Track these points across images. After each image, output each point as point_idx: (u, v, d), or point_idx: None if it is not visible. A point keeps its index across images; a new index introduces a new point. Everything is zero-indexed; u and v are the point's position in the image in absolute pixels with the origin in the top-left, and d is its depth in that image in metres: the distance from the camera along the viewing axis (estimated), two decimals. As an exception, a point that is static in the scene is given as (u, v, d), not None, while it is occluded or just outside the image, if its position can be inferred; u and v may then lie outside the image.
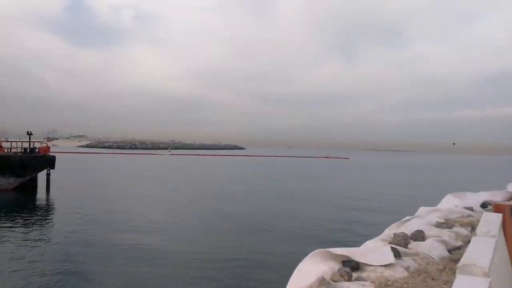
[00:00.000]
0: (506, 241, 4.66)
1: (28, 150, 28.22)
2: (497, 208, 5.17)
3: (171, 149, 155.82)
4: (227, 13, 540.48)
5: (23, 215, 18.77)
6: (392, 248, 4.34)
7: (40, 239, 14.01)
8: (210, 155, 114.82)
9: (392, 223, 6.14)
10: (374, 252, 3.74)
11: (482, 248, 2.81)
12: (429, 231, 5.49)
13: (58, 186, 28.02)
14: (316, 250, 3.05)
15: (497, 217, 4.38)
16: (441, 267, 3.90)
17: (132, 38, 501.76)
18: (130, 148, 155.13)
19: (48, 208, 21.54)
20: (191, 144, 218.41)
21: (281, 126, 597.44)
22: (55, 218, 18.50)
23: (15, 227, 15.98)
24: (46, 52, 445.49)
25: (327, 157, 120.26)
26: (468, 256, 2.75)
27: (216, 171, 53.91)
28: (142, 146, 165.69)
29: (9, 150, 28.37)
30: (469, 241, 4.39)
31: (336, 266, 3.16)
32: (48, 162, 28.04)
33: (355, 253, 3.40)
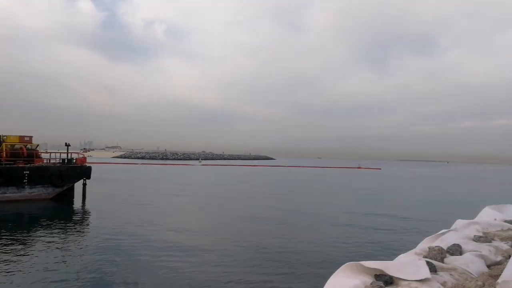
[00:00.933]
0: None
1: (66, 161, 29.33)
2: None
3: (201, 159, 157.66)
4: (257, 26, 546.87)
5: (60, 223, 19.47)
6: (428, 263, 4.20)
7: (75, 247, 14.44)
8: (241, 165, 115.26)
9: (427, 236, 5.95)
10: (409, 266, 3.64)
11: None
12: (467, 245, 5.28)
13: (93, 195, 28.92)
14: (348, 263, 2.99)
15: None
16: (480, 283, 3.73)
17: (164, 51, 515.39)
18: (162, 158, 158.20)
19: (83, 217, 22.21)
20: (221, 154, 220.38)
21: (311, 136, 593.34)
22: (90, 226, 19.04)
23: (53, 234, 16.56)
24: (83, 67, 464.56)
25: (359, 168, 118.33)
26: (509, 272, 2.62)
27: (251, 181, 54.04)
28: (173, 156, 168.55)
29: (48, 161, 29.56)
30: (510, 256, 4.19)
31: (368, 280, 3.09)
32: (85, 172, 29.02)
33: (388, 267, 3.31)
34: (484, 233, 5.98)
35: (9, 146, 26.73)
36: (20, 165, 25.99)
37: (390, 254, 5.08)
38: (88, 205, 25.90)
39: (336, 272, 2.80)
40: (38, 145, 29.09)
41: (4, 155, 26.07)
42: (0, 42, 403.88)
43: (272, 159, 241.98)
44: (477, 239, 5.57)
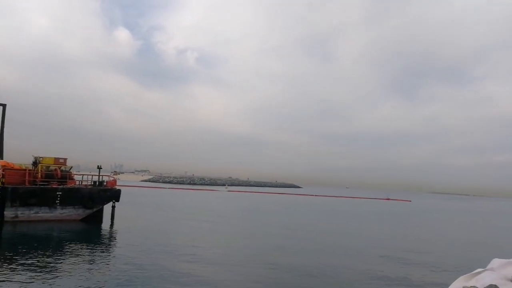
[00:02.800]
0: None
1: (97, 183, 30.08)
2: None
3: (228, 185, 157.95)
4: (286, 54, 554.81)
5: (88, 244, 19.81)
6: (462, 303, 4.00)
7: (101, 268, 14.60)
8: (267, 192, 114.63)
9: (461, 274, 5.69)
10: (442, 306, 3.50)
11: None
12: (504, 286, 5.00)
13: (122, 218, 29.37)
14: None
15: None
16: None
17: (195, 79, 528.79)
18: (189, 183, 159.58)
19: (110, 240, 22.52)
20: (246, 181, 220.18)
21: (339, 165, 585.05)
22: (117, 249, 19.25)
23: (80, 256, 16.84)
24: (118, 93, 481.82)
25: (387, 199, 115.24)
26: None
27: (278, 209, 53.56)
28: (200, 182, 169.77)
29: (80, 183, 30.41)
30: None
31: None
32: (114, 195, 29.63)
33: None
34: (523, 274, 5.65)
35: (44, 167, 27.74)
36: (53, 186, 26.84)
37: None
38: (116, 228, 26.28)
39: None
40: (71, 167, 30.03)
41: (39, 176, 27.03)
42: (43, 68, 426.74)
43: (298, 187, 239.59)
44: (516, 280, 5.27)
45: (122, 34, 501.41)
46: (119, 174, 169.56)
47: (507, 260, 6.13)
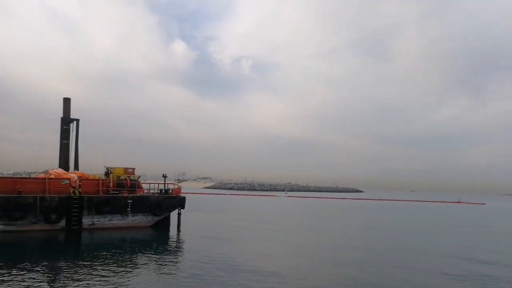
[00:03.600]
0: None
1: (163, 191, 31.38)
2: None
3: (287, 190, 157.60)
4: (341, 57, 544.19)
5: (160, 249, 20.73)
6: None
7: (170, 272, 15.11)
8: (328, 198, 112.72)
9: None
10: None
11: None
12: None
13: (187, 224, 30.34)
14: None
15: None
16: None
17: (251, 86, 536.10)
18: (249, 189, 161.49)
19: (178, 245, 23.28)
20: (306, 186, 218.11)
21: (402, 168, 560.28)
22: (185, 254, 19.85)
23: (151, 260, 17.59)
24: (177, 103, 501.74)
25: (458, 202, 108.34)
26: None
27: (351, 216, 52.46)
28: (260, 187, 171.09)
29: (148, 191, 31.88)
30: None
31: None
32: (180, 202, 30.70)
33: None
34: None
35: (115, 177, 29.45)
36: (124, 195, 28.39)
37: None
38: (182, 234, 27.16)
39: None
40: (139, 176, 31.59)
41: (111, 186, 28.74)
42: (109, 84, 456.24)
43: (360, 191, 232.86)
44: None
45: (179, 46, 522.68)
46: (182, 181, 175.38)
47: None
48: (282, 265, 17.61)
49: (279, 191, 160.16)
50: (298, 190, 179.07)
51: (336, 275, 15.90)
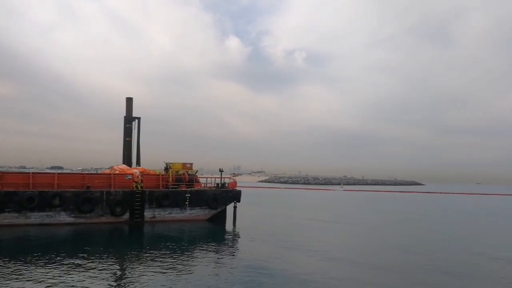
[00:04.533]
0: None
1: (219, 185, 32.11)
2: None
3: (343, 184, 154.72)
4: (399, 43, 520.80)
5: (217, 241, 21.31)
6: None
7: (226, 265, 15.46)
8: (387, 191, 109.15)
9: None
10: None
11: None
12: None
13: (243, 218, 30.84)
14: None
15: None
16: None
17: (304, 79, 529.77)
18: (303, 183, 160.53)
19: (235, 238, 23.73)
20: (362, 179, 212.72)
21: (466, 159, 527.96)
22: (241, 247, 20.20)
23: (208, 252, 18.12)
24: (231, 99, 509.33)
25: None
26: None
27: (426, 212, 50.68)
28: (315, 181, 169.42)
29: (205, 185, 32.78)
30: None
31: None
32: (235, 196, 31.28)
33: None
34: None
35: (174, 172, 30.58)
36: (183, 189, 29.41)
37: None
38: (238, 227, 27.66)
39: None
40: (197, 171, 32.55)
41: (171, 180, 29.88)
42: (167, 82, 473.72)
43: (421, 184, 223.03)
44: None
45: (233, 43, 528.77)
46: (237, 175, 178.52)
47: None
48: (343, 254, 17.35)
49: (335, 185, 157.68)
50: (354, 184, 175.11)
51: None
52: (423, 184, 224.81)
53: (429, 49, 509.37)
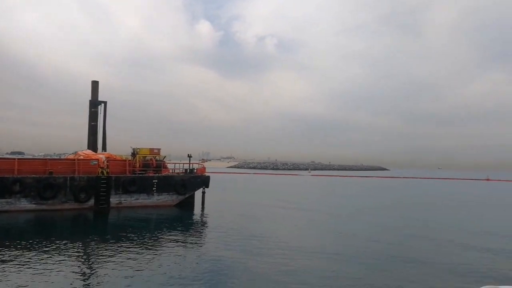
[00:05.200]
0: None
1: (188, 171, 31.87)
2: None
3: (311, 169, 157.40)
4: (369, 32, 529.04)
5: (184, 227, 21.21)
6: None
7: (194, 251, 15.46)
8: (353, 176, 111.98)
9: None
10: None
11: None
12: None
13: (212, 203, 30.83)
14: (484, 287, 2.64)
15: None
16: None
17: (275, 65, 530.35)
18: (272, 168, 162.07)
19: (203, 223, 23.72)
20: (329, 165, 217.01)
21: (429, 145, 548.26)
22: (209, 233, 20.19)
23: (176, 238, 18.02)
24: (201, 84, 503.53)
25: (487, 180, 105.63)
26: None
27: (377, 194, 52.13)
28: (283, 167, 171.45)
29: (173, 171, 32.45)
30: None
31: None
32: (204, 181, 31.18)
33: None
34: None
35: (141, 157, 30.05)
36: (150, 175, 28.99)
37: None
38: (206, 212, 27.65)
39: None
40: (165, 156, 32.13)
41: (138, 166, 29.36)
42: (136, 66, 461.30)
43: (386, 169, 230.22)
44: None
45: (204, 27, 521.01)
46: (206, 161, 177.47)
47: None
48: (309, 243, 17.72)
49: (302, 170, 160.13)
50: (321, 169, 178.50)
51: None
52: (388, 169, 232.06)
53: (399, 38, 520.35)
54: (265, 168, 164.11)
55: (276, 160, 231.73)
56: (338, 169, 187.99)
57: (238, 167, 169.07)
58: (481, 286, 2.70)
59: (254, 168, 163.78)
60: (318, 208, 32.28)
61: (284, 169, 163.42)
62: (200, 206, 29.72)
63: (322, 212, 29.52)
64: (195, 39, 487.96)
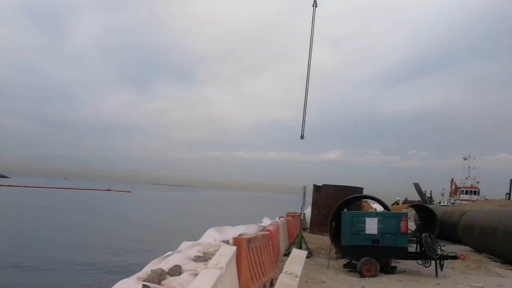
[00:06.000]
0: (239, 273, 5.28)
1: None
2: (235, 241, 5.86)
3: None
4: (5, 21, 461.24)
5: None
6: (144, 286, 4.35)
7: None
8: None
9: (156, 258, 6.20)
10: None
11: (205, 280, 3.09)
12: (186, 265, 5.77)
13: None
14: None
15: (230, 250, 4.91)
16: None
17: None
18: None
19: None
20: None
21: (58, 154, 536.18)
22: None
23: None
24: None
25: (109, 190, 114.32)
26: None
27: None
28: None
29: None
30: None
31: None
32: None
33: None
34: (204, 253, 6.70)
35: None
36: None
37: (117, 279, 4.95)
38: None
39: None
40: None
41: None
42: None
43: (5, 177, 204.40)
44: (196, 259, 6.18)
45: None
46: None
47: (193, 242, 7.13)
48: None
49: None
50: None
51: None
52: (8, 177, 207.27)
53: (43, 38, 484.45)
54: None
55: None
56: None
57: None
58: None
59: None
60: None
61: None
62: None
63: None
64: None
